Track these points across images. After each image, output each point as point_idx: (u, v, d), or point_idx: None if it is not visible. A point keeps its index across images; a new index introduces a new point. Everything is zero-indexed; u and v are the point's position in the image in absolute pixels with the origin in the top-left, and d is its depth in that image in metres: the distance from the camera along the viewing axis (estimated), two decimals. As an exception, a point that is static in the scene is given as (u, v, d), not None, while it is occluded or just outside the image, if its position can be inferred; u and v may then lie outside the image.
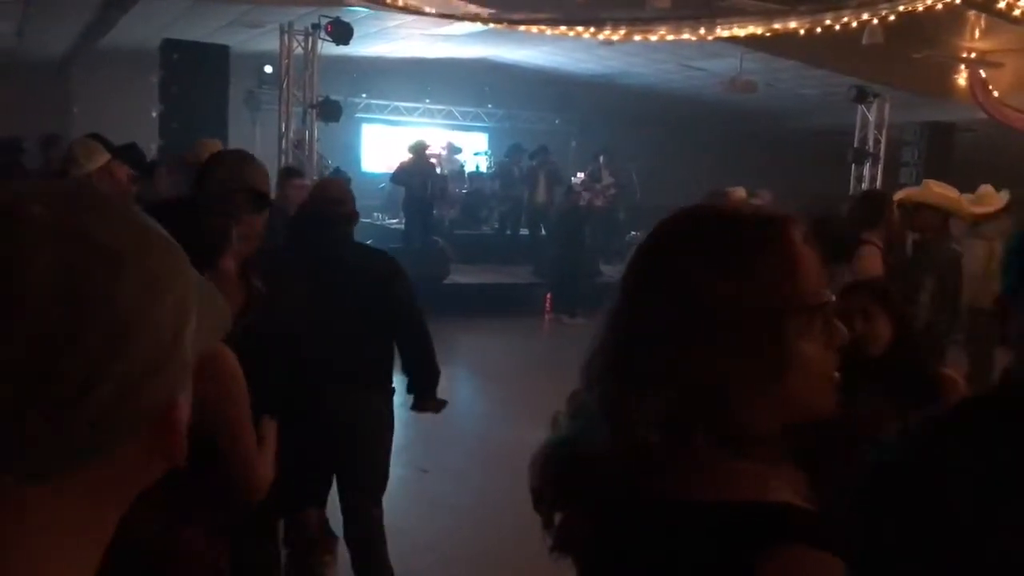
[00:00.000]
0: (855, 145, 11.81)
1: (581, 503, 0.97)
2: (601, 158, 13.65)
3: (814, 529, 0.85)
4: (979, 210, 5.41)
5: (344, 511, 3.49)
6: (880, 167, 11.79)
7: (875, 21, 6.44)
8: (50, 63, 12.73)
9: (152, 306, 0.55)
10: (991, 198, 5.95)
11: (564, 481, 0.97)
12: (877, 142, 11.77)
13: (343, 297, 3.30)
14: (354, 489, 3.47)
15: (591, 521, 0.96)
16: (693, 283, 0.90)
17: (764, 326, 0.88)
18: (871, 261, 4.09)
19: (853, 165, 11.83)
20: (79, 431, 0.53)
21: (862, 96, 11.40)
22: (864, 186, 11.58)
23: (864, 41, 9.38)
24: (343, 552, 3.63)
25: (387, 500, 3.63)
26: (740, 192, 7.33)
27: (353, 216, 3.57)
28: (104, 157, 4.05)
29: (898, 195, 4.86)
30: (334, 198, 3.52)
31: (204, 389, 1.87)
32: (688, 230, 0.96)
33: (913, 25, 8.71)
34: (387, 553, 3.52)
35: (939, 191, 4.67)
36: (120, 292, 0.53)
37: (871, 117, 11.70)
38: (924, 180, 5.41)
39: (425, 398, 3.62)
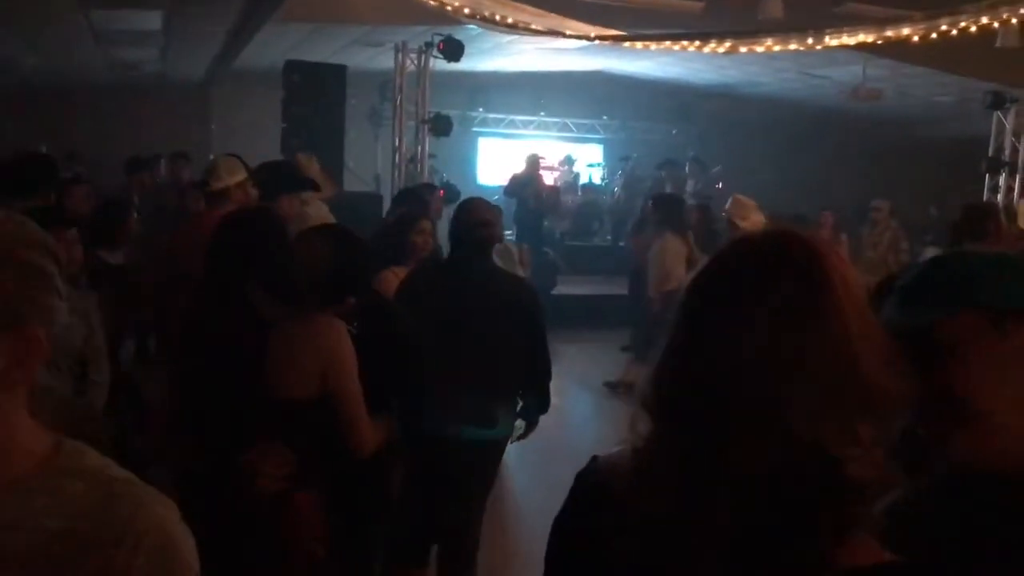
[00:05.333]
0: (990, 153, 11.13)
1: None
2: (687, 167, 13.49)
3: None
4: None
5: (443, 504, 3.59)
6: (1018, 176, 11.06)
7: (996, 24, 6.07)
8: (193, 83, 13.68)
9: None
10: None
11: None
12: (1015, 150, 11.06)
13: (478, 317, 3.43)
14: (466, 487, 3.59)
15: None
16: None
17: None
18: None
19: (987, 175, 11.15)
20: None
21: (998, 102, 10.73)
22: (1000, 197, 10.92)
23: (998, 43, 8.85)
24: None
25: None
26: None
27: (492, 238, 3.67)
28: (243, 174, 4.35)
29: None
30: (476, 221, 3.60)
31: (321, 357, 2.25)
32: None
33: (1053, 26, 8.15)
34: (476, 553, 3.64)
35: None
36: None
37: (1008, 124, 11.00)
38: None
39: (531, 426, 3.88)
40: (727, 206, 6.74)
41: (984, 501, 1.01)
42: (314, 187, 4.61)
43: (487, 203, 3.82)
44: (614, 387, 7.85)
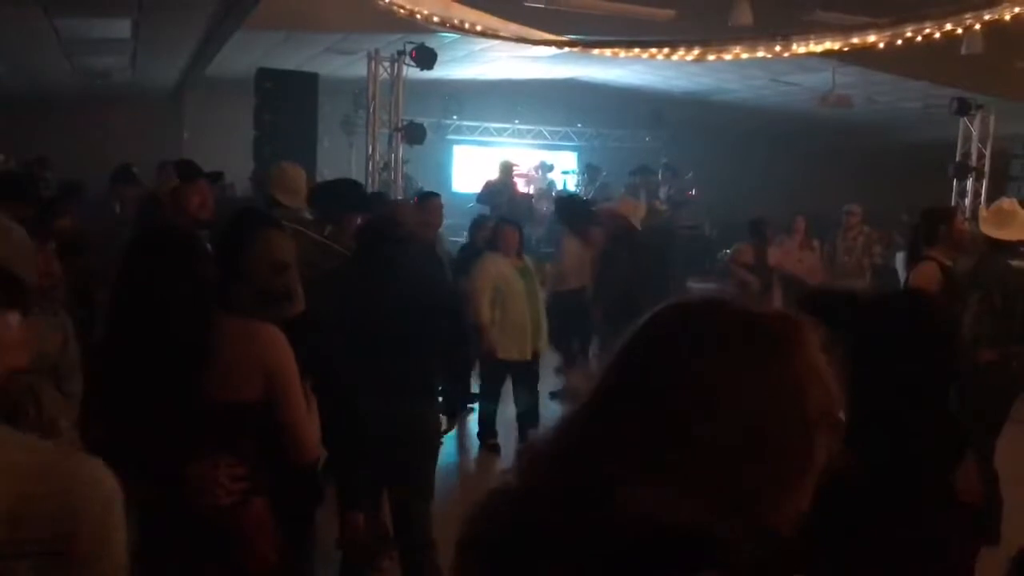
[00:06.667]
0: (957, 159, 11.30)
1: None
2: (660, 173, 13.56)
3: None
4: (996, 234, 4.89)
5: (394, 515, 3.63)
6: (985, 181, 11.23)
7: (959, 31, 6.17)
8: (165, 91, 13.57)
9: None
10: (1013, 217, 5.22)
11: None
12: (981, 156, 11.24)
13: (391, 314, 3.45)
14: (404, 493, 3.61)
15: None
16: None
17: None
18: (924, 277, 4.25)
19: (955, 180, 11.32)
20: None
21: (964, 108, 10.90)
22: (967, 201, 11.09)
23: (963, 51, 8.98)
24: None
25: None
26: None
27: (405, 238, 3.72)
28: (173, 182, 4.48)
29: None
30: (392, 219, 3.69)
31: (265, 360, 2.16)
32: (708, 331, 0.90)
33: (1017, 32, 8.28)
34: (437, 556, 3.62)
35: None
36: None
37: (974, 129, 11.18)
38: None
39: (454, 418, 3.93)
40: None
41: None
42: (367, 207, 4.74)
43: (406, 207, 3.92)
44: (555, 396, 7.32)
